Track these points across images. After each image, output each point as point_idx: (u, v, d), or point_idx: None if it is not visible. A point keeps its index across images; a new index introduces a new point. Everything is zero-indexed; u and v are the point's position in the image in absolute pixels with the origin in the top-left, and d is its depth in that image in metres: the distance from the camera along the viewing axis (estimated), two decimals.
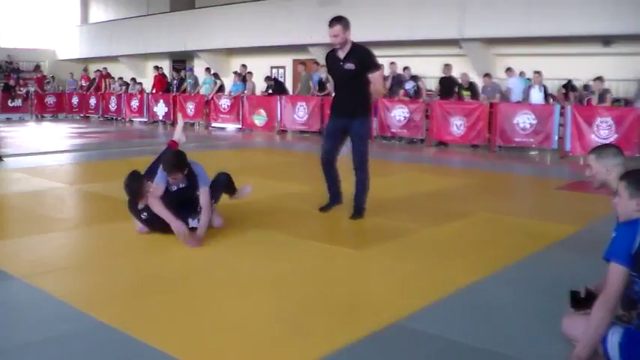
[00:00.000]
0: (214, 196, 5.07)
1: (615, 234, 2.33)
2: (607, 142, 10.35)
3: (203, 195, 4.81)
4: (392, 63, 14.36)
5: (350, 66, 5.35)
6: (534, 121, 11.52)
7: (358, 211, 5.61)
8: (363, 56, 5.39)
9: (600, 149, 2.83)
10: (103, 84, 21.55)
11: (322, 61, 17.17)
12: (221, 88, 17.32)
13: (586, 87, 12.94)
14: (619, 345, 2.24)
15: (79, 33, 28.07)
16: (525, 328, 3.20)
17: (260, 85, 17.19)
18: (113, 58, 25.03)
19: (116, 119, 20.32)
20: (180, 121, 6.34)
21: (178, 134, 6.04)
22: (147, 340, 2.99)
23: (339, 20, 5.35)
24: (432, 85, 14.70)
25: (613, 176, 2.64)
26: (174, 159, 4.77)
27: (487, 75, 13.30)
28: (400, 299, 3.63)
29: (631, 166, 2.63)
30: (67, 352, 2.91)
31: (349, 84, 5.44)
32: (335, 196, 5.83)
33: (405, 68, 13.92)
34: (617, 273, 2.27)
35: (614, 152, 2.79)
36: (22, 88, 22.86)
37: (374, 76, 5.41)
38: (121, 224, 5.20)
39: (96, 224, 5.46)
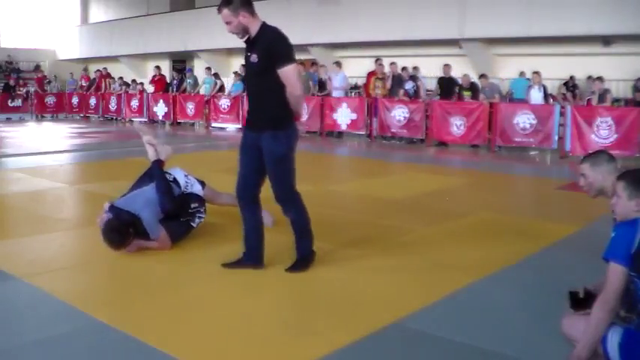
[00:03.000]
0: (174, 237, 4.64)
1: (614, 234, 2.32)
2: (607, 142, 10.37)
3: (159, 242, 4.52)
4: (392, 63, 14.37)
5: (254, 58, 3.87)
6: (534, 121, 11.52)
7: (300, 262, 4.10)
8: (269, 44, 3.85)
9: (593, 157, 2.80)
10: (103, 84, 21.55)
11: (322, 61, 17.32)
12: (221, 89, 17.32)
13: (589, 77, 12.95)
14: (619, 345, 2.24)
15: (79, 33, 28.06)
16: (525, 328, 3.20)
17: None
18: (113, 58, 25.02)
19: (116, 119, 20.32)
20: (146, 136, 5.11)
21: (161, 151, 5.02)
22: (147, 340, 2.99)
23: (225, 3, 3.86)
24: (432, 85, 14.71)
25: (610, 182, 2.62)
26: (110, 236, 4.32)
27: (483, 76, 13.22)
28: (400, 299, 3.63)
29: (632, 165, 2.62)
30: (67, 352, 2.91)
31: (256, 83, 4.00)
32: (251, 252, 4.16)
33: (404, 69, 13.92)
34: (616, 273, 2.27)
35: (607, 158, 2.77)
36: (22, 88, 22.87)
37: (283, 72, 3.80)
38: None
39: (96, 224, 5.45)
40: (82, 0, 29.47)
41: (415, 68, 14.27)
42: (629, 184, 2.39)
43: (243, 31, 3.91)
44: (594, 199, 2.81)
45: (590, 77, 12.94)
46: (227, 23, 3.88)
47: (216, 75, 17.95)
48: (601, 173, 2.70)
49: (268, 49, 3.83)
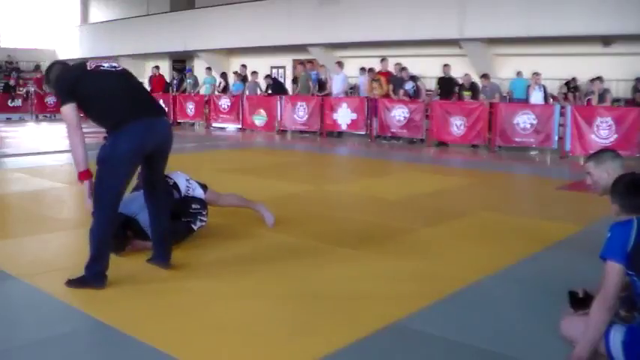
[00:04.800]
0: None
1: (610, 233, 2.35)
2: (607, 142, 10.38)
3: None
4: (397, 64, 14.36)
5: None
6: (534, 121, 11.52)
7: (78, 278, 3.71)
8: None
9: (598, 155, 2.83)
10: None
11: (322, 61, 17.32)
12: (225, 89, 17.32)
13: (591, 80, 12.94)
14: (622, 344, 2.24)
15: (79, 33, 28.08)
16: (526, 328, 3.20)
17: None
18: (113, 58, 25.02)
19: None
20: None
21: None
22: (146, 340, 2.99)
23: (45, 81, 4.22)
24: (432, 85, 14.72)
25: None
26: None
27: (484, 75, 13.26)
28: (400, 299, 3.62)
29: (631, 165, 2.64)
30: (67, 352, 2.91)
31: None
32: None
33: (403, 69, 13.93)
34: (613, 271, 2.28)
35: (612, 155, 2.79)
36: (22, 88, 22.86)
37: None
38: None
39: None
40: (82, 0, 29.49)
41: (404, 69, 14.09)
42: (614, 189, 2.49)
43: None
44: (601, 196, 2.82)
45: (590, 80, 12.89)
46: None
47: (223, 75, 17.88)
48: (605, 170, 2.71)
49: None
